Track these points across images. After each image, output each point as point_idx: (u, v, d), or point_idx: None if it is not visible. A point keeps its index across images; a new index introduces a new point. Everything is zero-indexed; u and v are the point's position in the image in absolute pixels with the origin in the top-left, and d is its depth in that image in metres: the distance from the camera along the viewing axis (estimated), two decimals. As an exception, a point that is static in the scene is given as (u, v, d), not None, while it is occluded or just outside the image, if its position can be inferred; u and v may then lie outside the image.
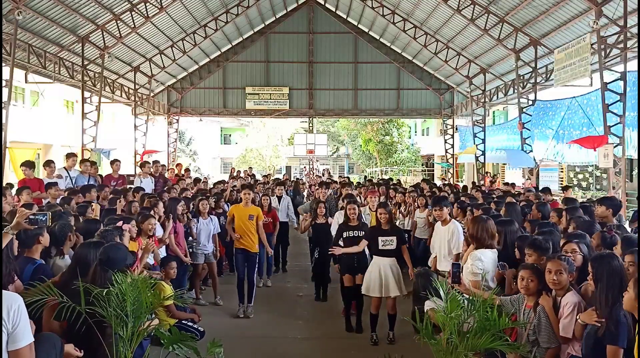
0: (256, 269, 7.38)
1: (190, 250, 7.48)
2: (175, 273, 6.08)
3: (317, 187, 10.67)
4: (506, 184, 14.26)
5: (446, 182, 19.01)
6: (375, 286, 6.00)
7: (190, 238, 7.55)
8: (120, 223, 4.87)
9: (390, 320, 6.11)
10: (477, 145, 21.46)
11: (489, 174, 21.63)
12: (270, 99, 24.71)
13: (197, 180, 13.00)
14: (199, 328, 5.46)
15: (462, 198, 8.74)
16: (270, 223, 8.91)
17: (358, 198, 9.62)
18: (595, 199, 8.98)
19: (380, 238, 6.07)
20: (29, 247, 3.94)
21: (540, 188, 12.03)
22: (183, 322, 5.35)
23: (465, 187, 14.47)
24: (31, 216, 3.62)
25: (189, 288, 7.67)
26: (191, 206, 8.00)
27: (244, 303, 7.12)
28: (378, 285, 5.98)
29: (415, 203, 9.18)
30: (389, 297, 6.00)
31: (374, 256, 6.22)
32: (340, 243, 6.53)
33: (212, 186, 12.52)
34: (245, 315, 7.00)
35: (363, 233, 6.46)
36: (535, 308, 3.62)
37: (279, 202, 10.05)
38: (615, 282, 3.09)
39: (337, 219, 7.61)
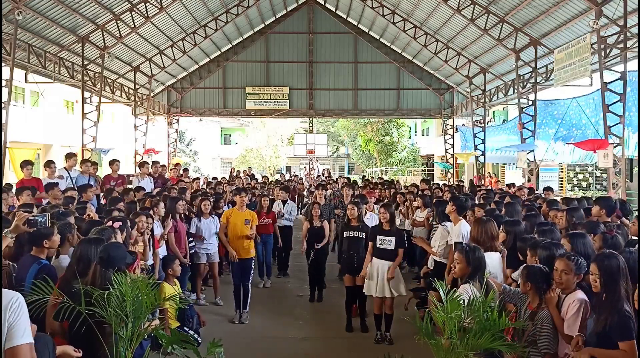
0: (252, 274, 7.14)
1: (192, 250, 7.47)
2: (180, 272, 6.08)
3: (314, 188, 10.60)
4: (510, 185, 14.16)
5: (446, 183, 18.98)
6: (372, 286, 6.06)
7: (191, 238, 7.54)
8: (111, 223, 4.84)
9: (387, 319, 6.10)
10: (476, 145, 21.45)
11: (490, 175, 21.62)
12: (270, 99, 24.71)
13: (193, 180, 12.82)
14: (197, 337, 5.50)
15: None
16: (270, 224, 8.89)
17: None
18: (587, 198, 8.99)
19: (378, 237, 6.09)
20: (36, 246, 3.86)
21: (540, 188, 12.01)
22: (185, 328, 5.39)
23: (475, 187, 14.25)
24: (30, 218, 3.61)
25: (191, 289, 7.66)
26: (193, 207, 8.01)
27: (240, 309, 6.94)
28: (374, 285, 6.03)
29: (415, 203, 9.16)
30: (385, 297, 6.02)
31: (373, 259, 6.15)
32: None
33: (204, 186, 12.35)
34: (240, 321, 6.81)
35: (364, 234, 6.51)
36: (537, 311, 3.59)
37: (284, 206, 9.76)
38: (619, 280, 3.14)
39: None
